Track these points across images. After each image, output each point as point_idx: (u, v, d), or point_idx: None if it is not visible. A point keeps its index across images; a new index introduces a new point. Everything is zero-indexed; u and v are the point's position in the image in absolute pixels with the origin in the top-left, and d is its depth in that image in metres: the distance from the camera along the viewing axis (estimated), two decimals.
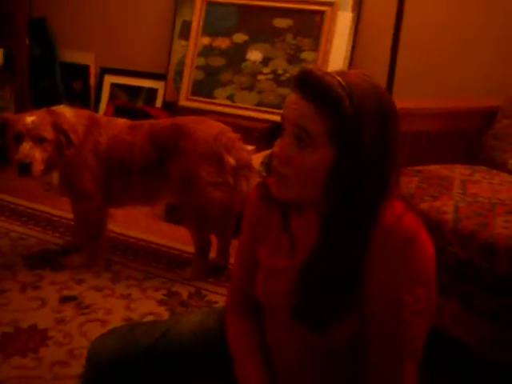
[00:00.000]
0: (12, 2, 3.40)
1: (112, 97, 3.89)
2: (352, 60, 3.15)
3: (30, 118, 2.17)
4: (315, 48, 3.14)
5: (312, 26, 3.17)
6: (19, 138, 2.15)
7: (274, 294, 1.18)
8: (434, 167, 2.14)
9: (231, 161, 2.29)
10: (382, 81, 2.73)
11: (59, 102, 2.74)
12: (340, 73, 1.03)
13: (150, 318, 2.06)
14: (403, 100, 2.54)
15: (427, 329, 1.03)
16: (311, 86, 1.00)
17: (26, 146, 2.13)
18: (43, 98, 3.63)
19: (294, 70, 3.15)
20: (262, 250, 1.25)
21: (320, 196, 1.06)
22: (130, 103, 3.79)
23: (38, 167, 2.16)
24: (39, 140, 2.16)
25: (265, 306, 1.24)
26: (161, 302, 2.20)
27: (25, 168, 2.13)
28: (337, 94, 0.98)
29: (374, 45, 3.07)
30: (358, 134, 0.99)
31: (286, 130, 1.05)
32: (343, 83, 0.99)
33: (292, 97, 1.04)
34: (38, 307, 2.09)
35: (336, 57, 3.09)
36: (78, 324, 2.00)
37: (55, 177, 2.32)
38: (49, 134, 2.18)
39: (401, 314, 1.00)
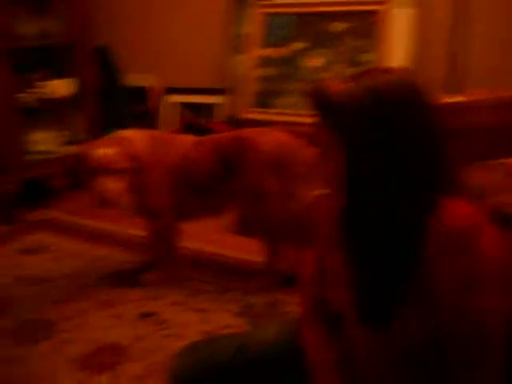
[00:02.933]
0: (78, 32, 3.55)
1: (176, 116, 3.98)
2: (414, 57, 3.05)
3: (101, 151, 2.21)
4: (375, 49, 3.08)
5: (369, 27, 3.11)
6: (95, 172, 2.20)
7: (342, 299, 1.16)
8: None
9: (297, 169, 2.27)
10: (446, 75, 2.64)
11: (126, 126, 2.83)
12: (354, 76, 1.04)
13: (227, 331, 2.07)
14: (459, 94, 2.44)
15: (505, 325, 0.97)
16: (314, 100, 1.07)
17: (103, 180, 2.19)
18: (111, 123, 3.77)
19: None
20: (332, 257, 1.23)
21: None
22: (193, 120, 3.86)
23: (116, 198, 2.22)
24: (113, 172, 2.21)
25: (337, 312, 1.22)
26: (237, 314, 2.20)
27: (104, 202, 2.19)
28: (328, 102, 1.02)
29: (436, 39, 2.97)
30: (357, 135, 0.99)
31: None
32: (344, 89, 1.01)
33: None
34: (117, 324, 2.14)
35: (397, 55, 3.01)
36: (156, 339, 2.04)
37: (130, 200, 2.36)
38: (121, 163, 2.23)
39: (475, 317, 0.95)
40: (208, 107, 3.86)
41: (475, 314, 0.95)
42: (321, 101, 1.05)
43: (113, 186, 2.20)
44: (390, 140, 0.97)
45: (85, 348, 1.99)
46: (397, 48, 3.02)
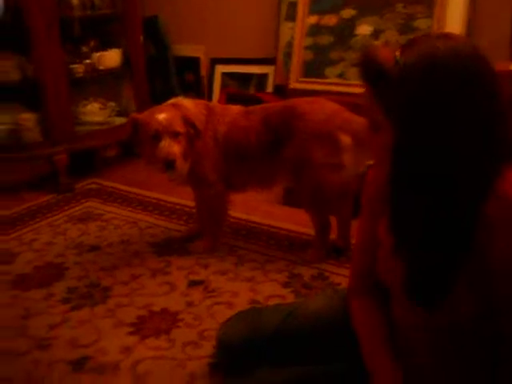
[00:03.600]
0: (126, 3, 3.56)
1: (223, 86, 3.97)
2: (471, 23, 2.93)
3: (161, 116, 2.22)
4: (429, 14, 2.97)
5: None
6: (157, 137, 2.20)
7: (392, 272, 1.14)
8: None
9: (347, 140, 2.23)
10: (505, 44, 2.53)
11: (174, 95, 2.84)
12: (407, 44, 0.98)
13: (274, 300, 2.08)
14: None
15: None
16: (363, 70, 1.03)
17: (166, 144, 2.19)
18: (159, 93, 3.79)
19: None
20: (381, 227, 1.21)
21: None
22: (241, 90, 3.84)
23: (180, 161, 2.23)
24: (175, 135, 2.22)
25: (385, 285, 1.21)
26: (284, 284, 2.21)
27: (170, 164, 2.20)
28: (379, 70, 0.97)
29: (496, 4, 2.84)
30: (411, 107, 0.94)
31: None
32: (397, 57, 0.95)
33: None
34: (168, 291, 2.19)
35: (453, 22, 2.89)
36: (206, 307, 2.07)
37: (185, 168, 2.35)
38: (181, 127, 2.23)
39: None
40: (257, 77, 3.82)
41: None
42: (371, 70, 1.01)
43: (176, 148, 2.21)
44: (446, 111, 0.92)
45: (140, 313, 2.04)
46: (454, 13, 2.90)
